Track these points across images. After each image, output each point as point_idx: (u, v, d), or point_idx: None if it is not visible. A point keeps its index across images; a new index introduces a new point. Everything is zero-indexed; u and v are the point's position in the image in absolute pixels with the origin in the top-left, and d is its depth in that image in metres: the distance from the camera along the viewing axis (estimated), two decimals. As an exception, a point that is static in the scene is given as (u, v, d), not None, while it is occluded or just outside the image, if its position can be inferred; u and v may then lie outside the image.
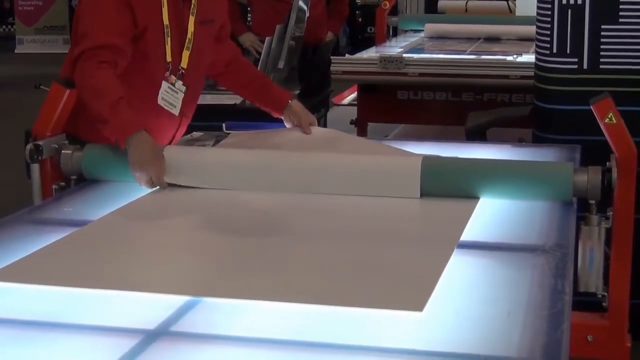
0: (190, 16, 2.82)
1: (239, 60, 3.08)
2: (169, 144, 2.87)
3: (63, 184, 2.52)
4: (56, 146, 2.53)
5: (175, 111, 2.82)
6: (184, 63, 2.82)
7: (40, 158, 2.48)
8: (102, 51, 2.60)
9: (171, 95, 2.82)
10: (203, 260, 2.00)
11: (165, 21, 2.75)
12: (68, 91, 2.55)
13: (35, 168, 2.50)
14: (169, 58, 2.77)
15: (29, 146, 2.48)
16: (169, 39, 2.77)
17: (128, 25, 2.66)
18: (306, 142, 2.81)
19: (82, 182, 2.54)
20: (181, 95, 2.82)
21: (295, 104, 2.95)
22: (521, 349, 1.49)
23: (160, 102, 2.78)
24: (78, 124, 2.65)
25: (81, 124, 2.66)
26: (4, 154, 5.62)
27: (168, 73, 2.79)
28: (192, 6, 2.81)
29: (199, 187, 2.44)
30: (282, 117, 2.95)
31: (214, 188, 2.43)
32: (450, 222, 2.15)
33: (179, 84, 2.81)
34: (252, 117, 3.23)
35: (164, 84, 2.78)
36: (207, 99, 4.20)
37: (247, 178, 2.44)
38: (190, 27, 2.82)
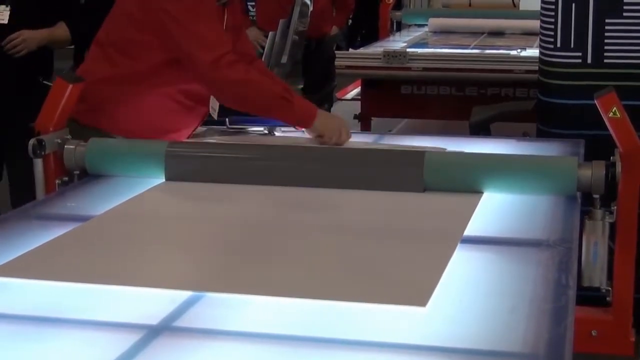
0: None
1: (257, 67, 3.04)
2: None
3: (66, 178, 2.52)
4: (59, 141, 2.52)
5: (215, 115, 2.93)
6: None
7: (43, 153, 2.48)
8: (230, 54, 2.72)
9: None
10: (206, 255, 1.99)
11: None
12: (71, 86, 2.55)
13: (39, 163, 2.50)
14: None
15: (32, 141, 2.48)
16: None
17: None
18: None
19: (86, 177, 2.54)
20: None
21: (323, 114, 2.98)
22: (525, 343, 1.48)
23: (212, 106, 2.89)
24: (78, 109, 2.67)
25: (81, 109, 2.68)
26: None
27: None
28: (224, 19, 2.88)
29: (202, 182, 2.43)
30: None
31: (217, 182, 2.42)
32: (454, 217, 2.15)
33: None
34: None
35: None
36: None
37: (249, 172, 2.43)
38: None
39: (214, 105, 2.92)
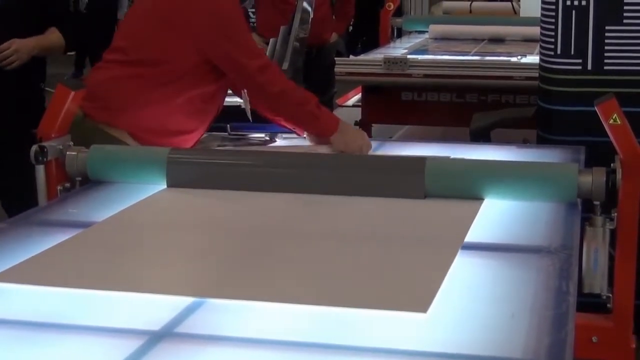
0: None
1: None
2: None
3: (68, 185, 2.53)
4: (61, 147, 2.53)
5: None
6: None
7: (45, 159, 2.49)
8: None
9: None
10: (208, 261, 2.00)
11: None
12: (73, 92, 2.55)
13: (40, 169, 2.50)
14: None
15: (34, 148, 2.48)
16: None
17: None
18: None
19: (87, 183, 2.54)
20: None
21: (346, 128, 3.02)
22: (526, 350, 1.49)
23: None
24: (94, 106, 2.78)
25: (98, 106, 2.79)
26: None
27: None
28: None
29: (203, 188, 2.44)
30: (306, 135, 3.01)
31: (218, 189, 2.43)
32: (455, 223, 2.16)
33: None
34: (258, 119, 3.23)
35: (244, 94, 3.01)
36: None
37: (251, 179, 2.44)
38: None
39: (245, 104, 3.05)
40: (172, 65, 2.84)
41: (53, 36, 3.81)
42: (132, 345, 1.52)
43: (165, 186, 2.47)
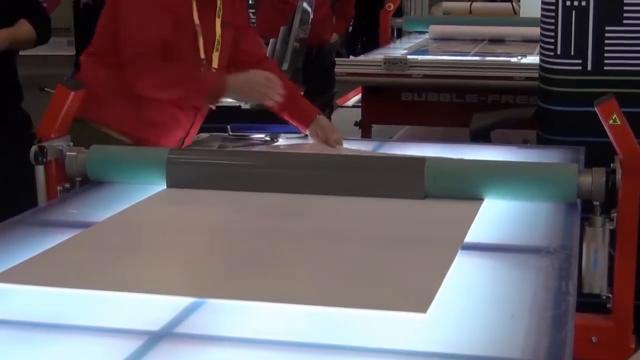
0: (217, 18, 2.90)
1: (268, 68, 3.06)
2: (184, 138, 2.93)
3: (68, 185, 2.53)
4: (61, 148, 2.53)
5: (205, 109, 2.96)
6: (215, 64, 2.90)
7: (44, 160, 2.49)
8: (152, 54, 2.75)
9: None
10: (208, 261, 2.00)
11: (196, 20, 2.83)
12: (73, 93, 2.55)
13: (40, 170, 2.50)
14: (202, 55, 2.86)
15: (34, 148, 2.48)
16: (200, 37, 2.85)
17: (169, 29, 2.77)
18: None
19: (87, 183, 2.54)
20: None
21: (322, 120, 2.98)
22: (525, 350, 1.49)
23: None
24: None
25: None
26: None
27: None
28: (217, 8, 2.89)
29: (203, 189, 2.44)
30: (308, 132, 2.97)
31: (218, 190, 2.43)
32: (454, 223, 2.16)
33: None
34: (257, 120, 3.23)
35: None
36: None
37: (250, 180, 2.44)
38: (218, 29, 2.90)
39: None
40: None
41: (23, 28, 3.70)
42: (131, 345, 1.52)
43: (164, 186, 2.47)
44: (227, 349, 1.53)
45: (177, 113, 2.91)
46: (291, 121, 2.99)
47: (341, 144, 2.96)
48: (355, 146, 3.02)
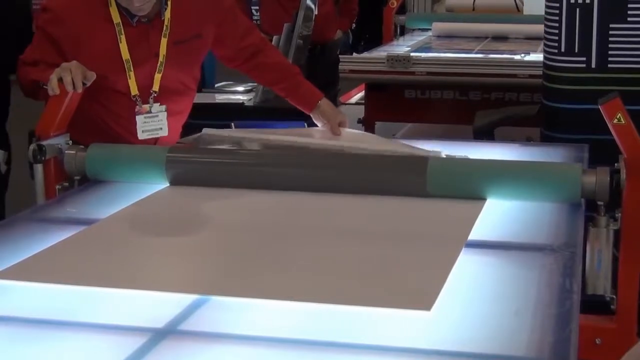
0: (163, 38, 2.76)
1: (268, 56, 3.03)
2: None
3: (67, 184, 2.52)
4: (60, 146, 2.52)
5: (164, 132, 2.79)
6: (156, 86, 2.77)
7: (43, 158, 2.47)
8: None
9: (152, 122, 2.78)
10: (212, 259, 2.00)
11: (125, 56, 2.71)
12: (72, 91, 2.54)
13: (39, 168, 2.49)
14: (134, 92, 2.74)
15: (32, 146, 2.47)
16: (131, 73, 2.73)
17: (50, 55, 2.71)
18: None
19: (86, 182, 2.54)
20: (164, 115, 2.78)
21: (325, 103, 2.95)
22: (529, 348, 1.48)
23: (142, 136, 2.76)
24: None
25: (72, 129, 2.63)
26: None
27: (138, 107, 2.75)
28: (164, 28, 2.75)
29: (203, 187, 2.44)
30: (312, 116, 2.95)
31: (218, 187, 2.43)
32: (458, 221, 2.15)
33: (156, 106, 2.77)
34: (261, 116, 3.23)
35: (139, 119, 2.75)
36: (215, 97, 4.22)
37: (252, 177, 2.44)
38: (162, 51, 2.76)
39: None
40: None
41: None
42: (135, 342, 1.52)
43: (164, 185, 2.47)
44: (230, 346, 1.53)
45: (131, 116, 2.77)
46: (295, 104, 2.98)
47: (345, 126, 2.93)
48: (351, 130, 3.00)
